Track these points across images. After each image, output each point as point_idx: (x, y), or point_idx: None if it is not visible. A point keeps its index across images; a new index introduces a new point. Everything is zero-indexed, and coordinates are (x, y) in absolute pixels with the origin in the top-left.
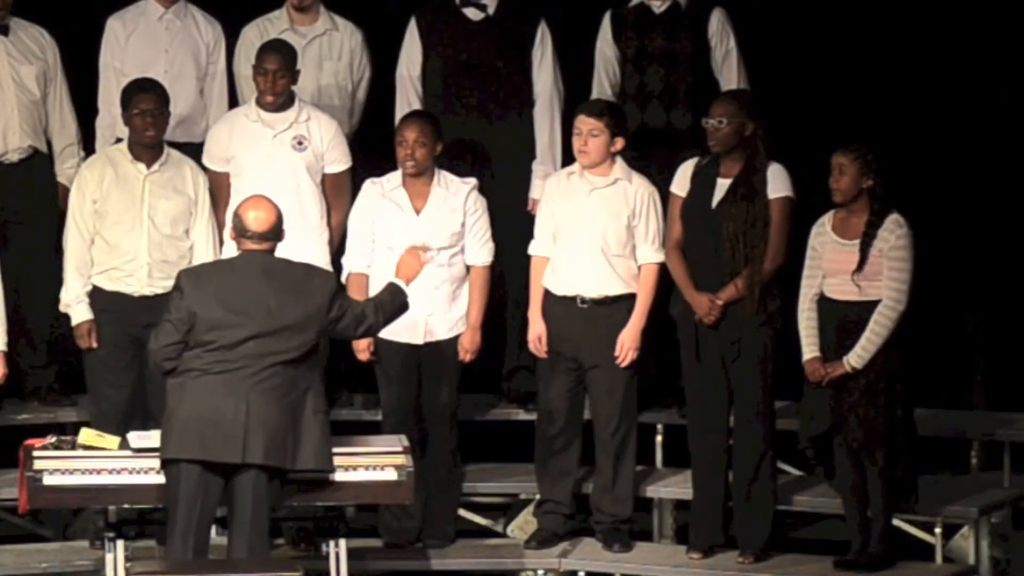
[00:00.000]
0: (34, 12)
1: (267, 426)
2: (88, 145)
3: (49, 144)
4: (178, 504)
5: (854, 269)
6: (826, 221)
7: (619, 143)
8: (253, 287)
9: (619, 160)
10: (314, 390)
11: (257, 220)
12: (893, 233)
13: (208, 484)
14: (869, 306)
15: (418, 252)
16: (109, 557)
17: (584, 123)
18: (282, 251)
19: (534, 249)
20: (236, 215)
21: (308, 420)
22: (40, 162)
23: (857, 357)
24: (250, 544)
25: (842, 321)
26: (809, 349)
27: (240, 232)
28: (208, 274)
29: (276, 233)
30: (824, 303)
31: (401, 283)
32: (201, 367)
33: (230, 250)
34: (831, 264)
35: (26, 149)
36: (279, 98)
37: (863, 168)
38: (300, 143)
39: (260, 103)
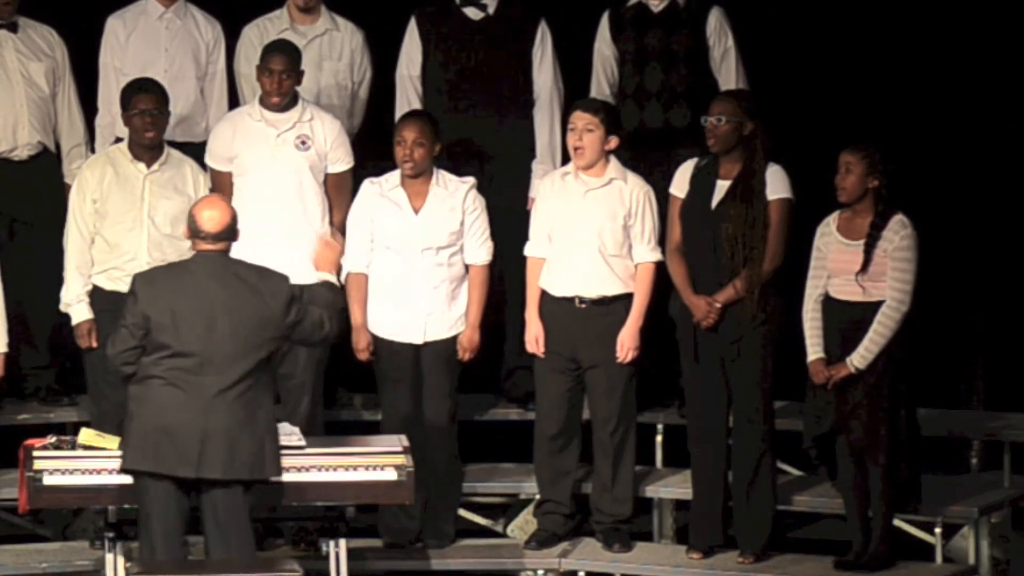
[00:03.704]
0: (35, 12)
1: (228, 438)
2: (88, 145)
3: (58, 143)
4: (149, 516)
5: (858, 270)
6: (831, 221)
7: (613, 142)
8: (207, 289)
9: (613, 159)
10: (269, 397)
11: (211, 220)
12: (898, 234)
13: (178, 498)
14: (873, 307)
15: (328, 240)
16: (109, 557)
17: (579, 119)
18: (284, 251)
19: (530, 250)
20: (190, 215)
21: (268, 428)
22: (48, 161)
23: (860, 358)
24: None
25: (846, 322)
26: (813, 350)
27: (194, 232)
28: (161, 277)
29: (230, 233)
30: (828, 303)
31: (329, 277)
32: (160, 374)
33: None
34: (835, 264)
35: (35, 145)
36: (284, 99)
37: (869, 168)
38: (303, 143)
39: (264, 103)
